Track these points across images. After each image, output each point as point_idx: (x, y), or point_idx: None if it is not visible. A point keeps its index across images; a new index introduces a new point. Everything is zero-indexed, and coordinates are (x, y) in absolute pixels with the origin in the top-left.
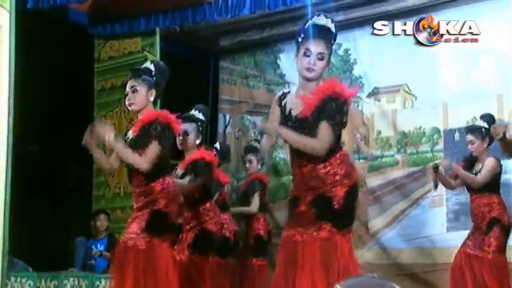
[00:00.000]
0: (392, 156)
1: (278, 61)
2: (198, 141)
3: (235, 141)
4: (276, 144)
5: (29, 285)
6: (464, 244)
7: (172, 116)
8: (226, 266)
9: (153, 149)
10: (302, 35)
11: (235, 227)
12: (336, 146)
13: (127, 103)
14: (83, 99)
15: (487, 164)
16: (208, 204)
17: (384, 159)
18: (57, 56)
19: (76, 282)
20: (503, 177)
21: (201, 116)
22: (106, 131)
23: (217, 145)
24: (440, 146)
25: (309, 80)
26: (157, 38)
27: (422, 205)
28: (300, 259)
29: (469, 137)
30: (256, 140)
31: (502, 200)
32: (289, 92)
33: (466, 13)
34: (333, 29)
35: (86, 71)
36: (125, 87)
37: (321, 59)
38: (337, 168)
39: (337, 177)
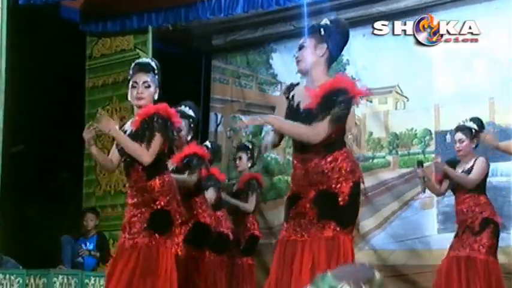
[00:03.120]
0: (383, 157)
1: (271, 61)
2: (189, 138)
3: (227, 140)
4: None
5: (18, 282)
6: (452, 248)
7: (172, 110)
8: (222, 263)
9: (156, 142)
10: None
11: (230, 224)
12: (340, 141)
13: (136, 96)
14: (74, 97)
15: (479, 164)
16: (200, 198)
17: (375, 161)
18: (48, 53)
19: (65, 280)
20: (495, 179)
21: (191, 113)
22: (110, 123)
23: (208, 143)
24: (432, 147)
25: (300, 72)
26: (150, 36)
27: (413, 206)
28: (298, 259)
29: (459, 135)
30: (249, 141)
31: (489, 200)
32: (298, 83)
33: (459, 15)
34: (322, 28)
35: (77, 68)
36: (117, 85)
37: (302, 47)
38: (342, 164)
39: (342, 173)
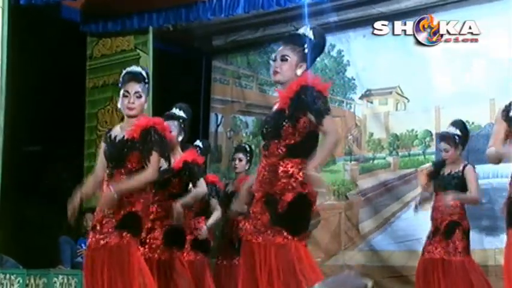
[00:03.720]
0: (384, 158)
1: (271, 61)
2: (180, 138)
3: (227, 141)
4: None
5: (18, 282)
6: (425, 251)
7: (166, 125)
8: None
9: (155, 157)
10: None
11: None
12: (306, 150)
13: (128, 106)
14: (75, 97)
15: (472, 177)
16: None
17: (375, 161)
18: (49, 53)
19: (65, 280)
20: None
21: (182, 114)
22: (108, 196)
23: (199, 143)
24: (432, 148)
25: (277, 83)
26: (150, 36)
27: (413, 208)
28: (258, 262)
29: (443, 145)
30: (248, 143)
31: (463, 205)
32: None
33: (459, 16)
34: (306, 34)
35: (78, 68)
36: (117, 85)
37: (285, 60)
38: (295, 172)
39: (291, 181)
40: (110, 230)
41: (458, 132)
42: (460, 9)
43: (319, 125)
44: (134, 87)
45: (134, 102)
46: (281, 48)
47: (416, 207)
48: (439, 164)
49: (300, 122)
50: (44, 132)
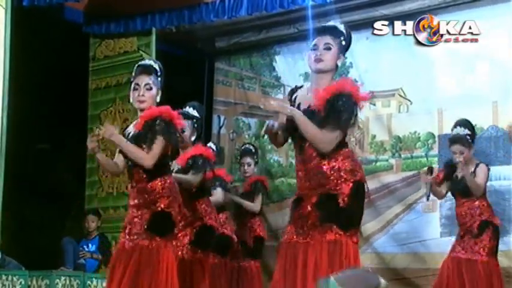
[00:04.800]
0: (386, 160)
1: (274, 63)
2: (193, 138)
3: (229, 143)
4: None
5: (21, 283)
6: (453, 250)
7: (175, 112)
8: (225, 266)
9: (158, 145)
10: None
11: (233, 226)
12: (341, 142)
13: (138, 99)
14: (77, 98)
15: (482, 171)
16: (205, 200)
17: (378, 164)
18: (52, 54)
19: (68, 282)
20: (498, 183)
21: (195, 113)
22: (111, 129)
23: (212, 145)
24: (435, 151)
25: (318, 71)
26: (153, 37)
27: (415, 210)
28: (301, 262)
29: (458, 147)
30: (251, 144)
31: (489, 203)
32: (301, 86)
33: (462, 18)
34: (341, 28)
35: (80, 69)
36: (120, 86)
37: (328, 48)
38: (341, 164)
39: (341, 173)
40: (140, 231)
41: (467, 131)
42: (463, 11)
43: (345, 131)
44: (144, 79)
45: (144, 95)
46: (319, 38)
47: (427, 197)
48: (452, 165)
49: (331, 123)
50: (46, 133)
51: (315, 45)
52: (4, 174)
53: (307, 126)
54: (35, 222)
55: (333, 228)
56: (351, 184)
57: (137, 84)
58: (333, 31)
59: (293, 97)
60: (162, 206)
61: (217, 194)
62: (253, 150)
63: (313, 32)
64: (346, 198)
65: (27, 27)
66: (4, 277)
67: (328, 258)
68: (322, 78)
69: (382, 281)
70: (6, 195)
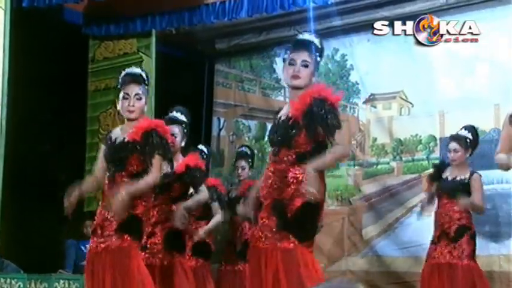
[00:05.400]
0: (387, 163)
1: (274, 65)
2: (183, 144)
3: (229, 145)
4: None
5: (19, 287)
6: (431, 256)
7: (168, 128)
8: (220, 271)
9: (157, 163)
10: (287, 50)
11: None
12: (316, 155)
13: (128, 109)
14: (76, 100)
15: (477, 185)
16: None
17: (379, 167)
18: (51, 55)
19: (67, 285)
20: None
21: (184, 118)
22: (118, 200)
23: (203, 147)
24: (437, 154)
25: (295, 87)
26: (153, 39)
27: (417, 213)
28: (263, 267)
29: (454, 145)
30: (247, 146)
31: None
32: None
33: (463, 20)
34: (317, 43)
35: (80, 71)
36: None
37: (306, 66)
38: (305, 176)
39: (300, 187)
40: (111, 233)
41: (470, 136)
42: (464, 13)
43: (331, 138)
44: (134, 89)
45: (134, 105)
46: (295, 53)
47: (420, 213)
48: (441, 166)
49: (311, 133)
50: (45, 135)
51: (292, 59)
52: (3, 176)
53: (327, 162)
54: (34, 224)
55: (288, 237)
56: (304, 201)
57: (127, 93)
58: (310, 47)
59: (278, 116)
60: (138, 212)
61: (218, 217)
62: (249, 153)
63: (292, 43)
64: (293, 211)
65: (27, 29)
66: (2, 280)
67: (283, 265)
68: (297, 93)
69: (360, 286)
70: (4, 197)
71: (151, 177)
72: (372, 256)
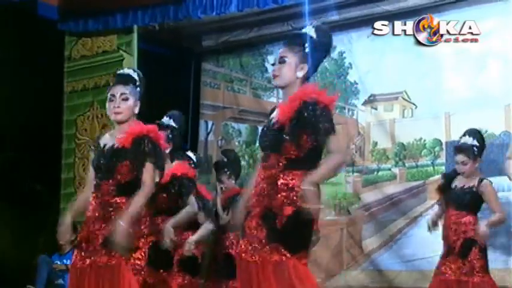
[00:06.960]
0: (389, 169)
1: (266, 64)
2: (168, 150)
3: (218, 150)
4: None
5: None
6: (439, 271)
7: (161, 133)
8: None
9: (149, 171)
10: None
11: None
12: (307, 162)
13: (114, 110)
14: (51, 102)
15: (492, 195)
16: (166, 217)
17: (380, 173)
18: (23, 53)
19: None
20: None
21: (172, 123)
22: (122, 232)
23: (191, 155)
24: (442, 159)
25: (277, 87)
26: (135, 36)
27: (421, 223)
28: (255, 283)
29: (461, 157)
30: (224, 151)
31: (477, 221)
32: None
33: (469, 15)
34: (303, 33)
35: (55, 70)
36: (98, 89)
37: (283, 62)
38: (296, 183)
39: (292, 194)
40: (97, 247)
41: (475, 142)
42: (470, 7)
43: (324, 143)
44: (120, 89)
45: (120, 106)
46: (281, 50)
47: (429, 228)
48: (450, 176)
49: (302, 139)
50: (17, 140)
51: (274, 59)
52: None
53: (325, 173)
54: (6, 236)
55: (279, 249)
56: (295, 209)
57: (113, 95)
58: (291, 40)
59: (271, 117)
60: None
61: (205, 228)
62: (225, 160)
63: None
64: (284, 220)
65: None
66: None
67: (275, 280)
68: (286, 94)
69: None
70: None
71: (146, 191)
72: (372, 270)
